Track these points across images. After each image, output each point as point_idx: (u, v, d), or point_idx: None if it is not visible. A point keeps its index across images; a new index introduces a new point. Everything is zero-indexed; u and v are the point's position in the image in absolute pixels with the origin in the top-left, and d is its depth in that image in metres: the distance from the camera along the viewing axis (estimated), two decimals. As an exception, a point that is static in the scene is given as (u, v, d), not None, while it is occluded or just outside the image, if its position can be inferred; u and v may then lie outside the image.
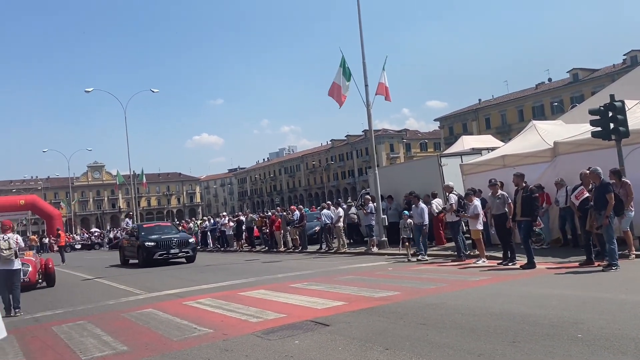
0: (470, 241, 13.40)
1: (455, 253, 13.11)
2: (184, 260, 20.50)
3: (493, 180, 11.62)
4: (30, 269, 14.28)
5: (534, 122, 16.22)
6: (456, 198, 13.22)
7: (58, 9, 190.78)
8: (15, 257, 10.06)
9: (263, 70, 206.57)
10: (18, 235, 10.51)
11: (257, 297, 9.44)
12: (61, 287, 14.89)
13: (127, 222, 45.62)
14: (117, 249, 26.97)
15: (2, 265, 9.93)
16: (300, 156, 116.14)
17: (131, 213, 58.67)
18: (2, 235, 10.08)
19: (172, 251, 19.95)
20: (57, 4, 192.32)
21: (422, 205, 14.27)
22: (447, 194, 13.69)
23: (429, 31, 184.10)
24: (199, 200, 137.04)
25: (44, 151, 72.55)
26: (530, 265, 10.37)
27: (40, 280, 15.02)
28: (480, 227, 12.17)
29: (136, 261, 20.97)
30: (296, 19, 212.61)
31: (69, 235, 57.83)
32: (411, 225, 14.09)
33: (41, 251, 41.45)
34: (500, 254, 11.81)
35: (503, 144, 19.42)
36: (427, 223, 14.15)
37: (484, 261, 11.91)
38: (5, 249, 9.83)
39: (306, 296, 9.05)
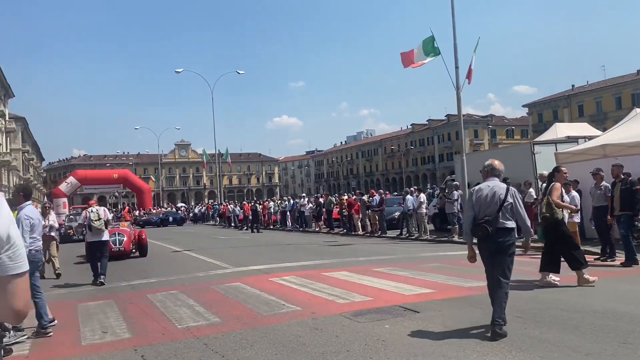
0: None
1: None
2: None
3: (596, 170, 10.87)
4: (125, 238, 15.24)
5: (638, 109, 14.96)
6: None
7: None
8: (105, 228, 10.73)
9: (345, 54, 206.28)
10: (104, 208, 11.21)
11: (341, 279, 9.44)
12: (153, 257, 15.69)
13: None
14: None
15: (93, 237, 10.65)
16: (378, 140, 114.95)
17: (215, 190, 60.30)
18: (90, 208, 10.81)
19: None
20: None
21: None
22: (542, 183, 12.98)
23: (520, 12, 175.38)
24: (277, 180, 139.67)
25: (135, 128, 77.22)
26: (631, 262, 9.64)
27: (134, 250, 15.93)
28: (577, 219, 11.46)
29: None
30: (381, 1, 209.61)
31: (157, 208, 60.91)
32: None
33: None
34: (597, 249, 11.10)
35: (600, 132, 18.11)
36: None
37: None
38: (96, 220, 10.51)
39: (391, 281, 8.93)
